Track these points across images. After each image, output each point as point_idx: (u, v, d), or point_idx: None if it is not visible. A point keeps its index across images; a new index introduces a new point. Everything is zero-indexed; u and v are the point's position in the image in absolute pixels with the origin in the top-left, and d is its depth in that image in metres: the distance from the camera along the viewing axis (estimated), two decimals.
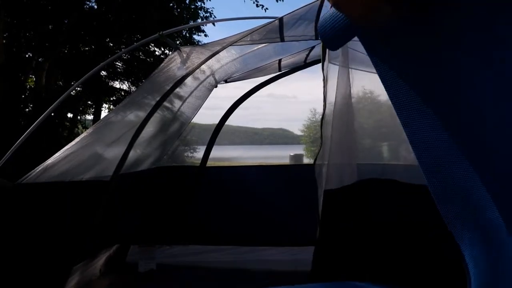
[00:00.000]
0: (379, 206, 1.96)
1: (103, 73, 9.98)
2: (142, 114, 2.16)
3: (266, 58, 2.77)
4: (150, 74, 2.50)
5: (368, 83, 2.11)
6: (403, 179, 1.96)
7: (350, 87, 2.06)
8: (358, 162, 2.10)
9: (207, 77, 2.78)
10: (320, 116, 2.14)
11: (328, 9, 0.45)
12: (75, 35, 8.17)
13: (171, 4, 8.68)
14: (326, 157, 2.02)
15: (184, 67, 2.34)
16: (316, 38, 2.05)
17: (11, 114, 6.67)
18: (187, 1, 9.07)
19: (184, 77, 2.11)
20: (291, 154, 14.41)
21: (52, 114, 2.80)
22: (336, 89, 2.02)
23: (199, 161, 3.29)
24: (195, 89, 2.81)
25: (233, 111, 3.31)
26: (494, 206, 0.36)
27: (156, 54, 10.06)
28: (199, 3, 9.29)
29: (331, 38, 0.42)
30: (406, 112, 0.40)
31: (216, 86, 3.07)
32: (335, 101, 2.04)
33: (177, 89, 2.28)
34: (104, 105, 11.79)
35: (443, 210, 0.41)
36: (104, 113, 11.54)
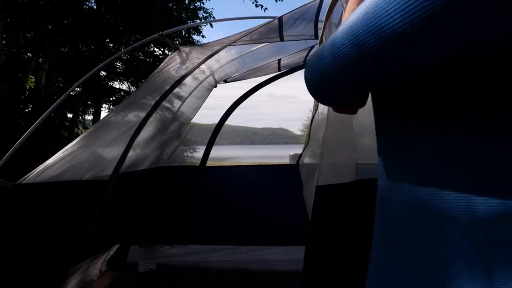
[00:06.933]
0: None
1: (103, 73, 9.99)
2: (142, 114, 2.16)
3: (266, 58, 2.77)
4: (150, 74, 2.50)
5: None
6: None
7: None
8: (357, 162, 2.08)
9: (207, 77, 2.78)
10: (320, 116, 2.14)
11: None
12: (74, 35, 8.17)
13: (170, 4, 8.68)
14: (321, 157, 2.01)
15: (184, 67, 2.34)
16: (316, 38, 2.05)
17: (11, 114, 6.67)
18: (186, 1, 9.07)
19: (184, 77, 2.11)
20: (291, 153, 14.33)
21: (52, 114, 2.80)
22: None
23: (199, 161, 3.29)
24: (194, 89, 2.81)
25: (232, 111, 3.31)
26: None
27: (156, 54, 10.07)
28: (198, 3, 9.30)
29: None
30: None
31: (215, 86, 3.07)
32: None
33: (177, 89, 2.28)
34: (104, 105, 11.81)
35: None
36: (104, 113, 11.55)
